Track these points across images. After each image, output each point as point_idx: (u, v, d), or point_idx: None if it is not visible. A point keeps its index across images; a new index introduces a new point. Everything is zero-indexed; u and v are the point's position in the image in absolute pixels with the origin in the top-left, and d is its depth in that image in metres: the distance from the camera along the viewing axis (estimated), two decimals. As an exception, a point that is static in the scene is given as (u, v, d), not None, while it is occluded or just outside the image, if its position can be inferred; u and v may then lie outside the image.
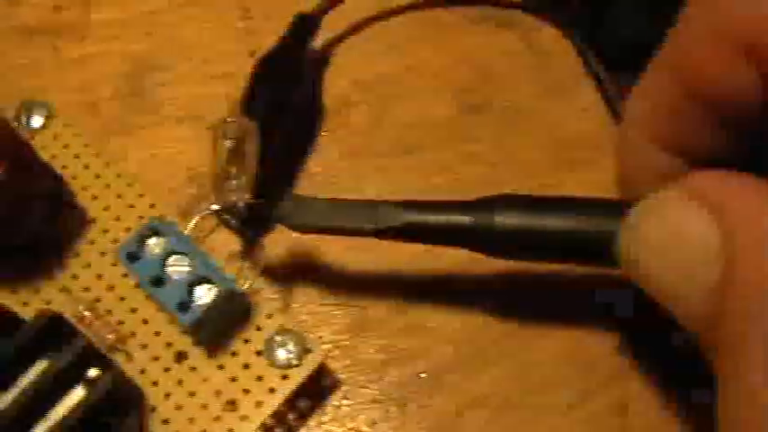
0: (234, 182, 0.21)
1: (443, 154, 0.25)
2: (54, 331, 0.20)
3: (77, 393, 0.20)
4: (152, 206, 0.23)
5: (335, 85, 0.27)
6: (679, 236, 0.16)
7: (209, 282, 0.20)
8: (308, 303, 0.23)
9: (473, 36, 0.27)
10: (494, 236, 0.20)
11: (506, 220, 0.20)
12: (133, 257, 0.20)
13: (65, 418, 0.19)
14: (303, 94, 0.26)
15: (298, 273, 0.23)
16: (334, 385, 0.22)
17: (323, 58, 0.27)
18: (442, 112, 0.26)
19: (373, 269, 0.24)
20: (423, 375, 0.22)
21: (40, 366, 0.20)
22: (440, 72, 0.27)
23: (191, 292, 0.20)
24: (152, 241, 0.21)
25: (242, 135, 0.21)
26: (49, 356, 0.20)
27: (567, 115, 0.26)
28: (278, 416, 0.22)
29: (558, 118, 0.26)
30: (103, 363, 0.20)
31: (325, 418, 0.22)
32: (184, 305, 0.20)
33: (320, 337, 0.23)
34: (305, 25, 0.25)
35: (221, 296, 0.20)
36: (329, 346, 0.23)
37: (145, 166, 0.25)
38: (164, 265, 0.20)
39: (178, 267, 0.20)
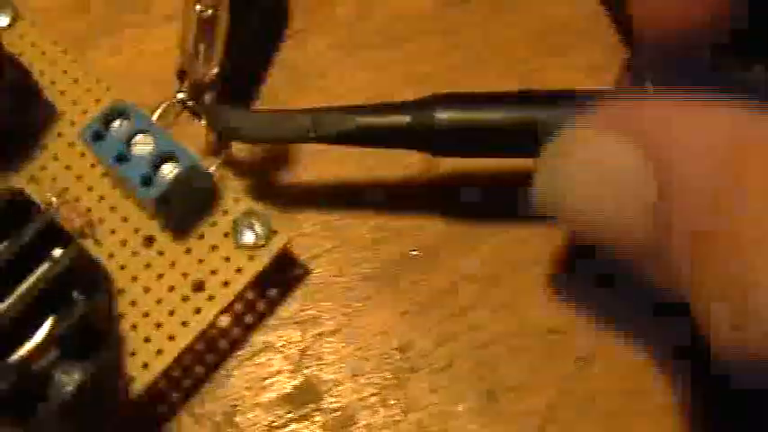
0: (201, 62, 0.21)
1: (429, 44, 0.25)
2: (18, 211, 0.20)
3: (42, 270, 0.20)
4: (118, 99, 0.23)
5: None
6: (604, 169, 0.15)
7: (173, 160, 0.20)
8: (287, 191, 0.23)
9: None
10: (433, 134, 0.20)
11: (444, 116, 0.20)
12: (97, 137, 0.20)
13: (28, 290, 0.19)
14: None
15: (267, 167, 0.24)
16: (305, 279, 0.22)
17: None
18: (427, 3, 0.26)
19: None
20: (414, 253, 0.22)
21: (3, 245, 0.20)
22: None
23: (156, 169, 0.20)
24: (116, 123, 0.21)
25: (214, 5, 0.20)
26: (13, 235, 0.20)
27: (552, 1, 0.26)
28: (249, 303, 0.22)
29: (543, 4, 0.26)
30: (67, 239, 0.20)
31: (297, 318, 0.22)
32: (148, 179, 0.20)
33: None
34: None
35: (186, 171, 0.20)
36: (317, 226, 0.23)
37: (133, 64, 0.25)
38: (128, 144, 0.20)
39: (142, 146, 0.20)
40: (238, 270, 0.21)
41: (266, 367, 0.22)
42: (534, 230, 0.22)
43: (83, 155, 0.22)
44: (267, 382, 0.22)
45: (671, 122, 0.14)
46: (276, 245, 0.21)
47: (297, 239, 0.22)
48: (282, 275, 0.22)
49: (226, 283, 0.21)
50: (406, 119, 0.20)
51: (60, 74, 0.23)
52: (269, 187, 0.23)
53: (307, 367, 0.22)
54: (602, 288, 0.21)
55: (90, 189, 0.22)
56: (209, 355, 0.22)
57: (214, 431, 0.21)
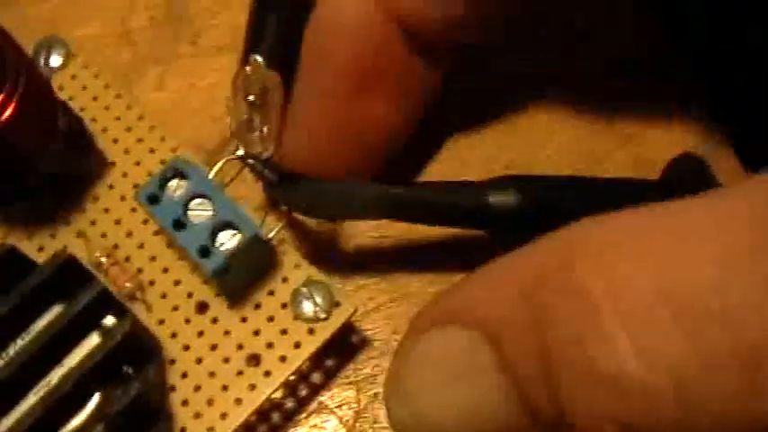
0: (257, 134, 0.20)
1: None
2: (69, 276, 0.19)
3: (93, 340, 0.19)
4: (174, 150, 0.22)
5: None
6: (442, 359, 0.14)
7: (232, 227, 0.19)
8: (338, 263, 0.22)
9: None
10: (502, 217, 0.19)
11: (513, 199, 0.19)
12: (153, 199, 0.19)
13: (80, 365, 0.18)
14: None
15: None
16: (363, 343, 0.21)
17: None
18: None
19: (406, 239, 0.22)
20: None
21: (54, 311, 0.19)
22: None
23: (213, 238, 0.19)
24: (173, 183, 0.20)
25: (264, 87, 0.19)
26: (64, 302, 0.19)
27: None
28: (302, 374, 0.21)
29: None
30: (120, 310, 0.19)
31: (352, 377, 0.21)
32: (206, 250, 0.19)
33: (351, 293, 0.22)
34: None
35: (246, 242, 0.19)
36: (374, 278, 0.22)
37: (184, 96, 0.24)
38: (185, 209, 0.19)
39: (200, 212, 0.19)
40: (297, 345, 0.20)
41: (320, 430, 0.21)
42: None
43: (134, 210, 0.21)
44: None
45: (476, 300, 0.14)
46: (339, 318, 0.20)
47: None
48: (340, 344, 0.21)
49: (283, 358, 0.19)
50: (480, 199, 0.19)
51: (113, 120, 0.22)
52: (329, 244, 0.22)
53: (362, 431, 0.20)
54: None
55: (141, 247, 0.21)
56: (260, 427, 0.21)
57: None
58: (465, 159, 0.23)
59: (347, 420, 0.20)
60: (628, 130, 0.23)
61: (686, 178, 0.20)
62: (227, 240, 0.19)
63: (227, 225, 0.19)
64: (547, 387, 0.12)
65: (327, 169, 0.20)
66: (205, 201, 0.19)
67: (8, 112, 0.19)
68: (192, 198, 0.19)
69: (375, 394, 0.21)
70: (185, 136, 0.23)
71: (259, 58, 0.19)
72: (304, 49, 0.20)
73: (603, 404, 0.12)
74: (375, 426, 0.20)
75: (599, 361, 0.12)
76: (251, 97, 0.19)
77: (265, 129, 0.19)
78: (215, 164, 0.21)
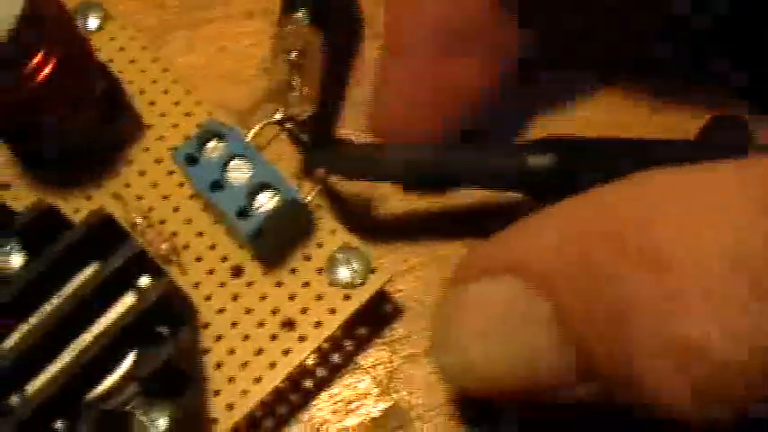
0: (296, 94, 0.20)
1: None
2: (106, 235, 0.19)
3: (127, 300, 0.19)
4: (210, 114, 0.22)
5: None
6: (493, 310, 0.14)
7: (270, 189, 0.19)
8: (370, 226, 0.22)
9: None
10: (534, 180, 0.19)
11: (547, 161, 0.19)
12: (191, 160, 0.19)
13: (113, 324, 0.18)
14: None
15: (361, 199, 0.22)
16: (396, 305, 0.21)
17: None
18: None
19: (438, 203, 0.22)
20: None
21: (89, 270, 0.19)
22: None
23: (251, 199, 0.19)
24: (211, 145, 0.19)
25: (305, 44, 0.19)
26: (100, 260, 0.19)
27: None
28: (335, 341, 0.21)
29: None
30: (156, 270, 0.19)
31: (387, 338, 0.21)
32: (244, 212, 0.18)
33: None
34: None
35: (283, 204, 0.18)
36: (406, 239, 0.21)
37: (214, 60, 0.24)
38: (223, 170, 0.19)
39: (238, 173, 0.19)
40: (332, 311, 0.19)
41: (353, 390, 0.20)
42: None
43: (170, 173, 0.21)
44: (353, 405, 0.20)
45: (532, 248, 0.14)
46: (375, 285, 0.19)
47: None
48: (373, 314, 0.21)
49: (318, 324, 0.19)
50: (519, 160, 0.19)
51: (149, 83, 0.22)
52: (362, 208, 0.22)
53: (396, 391, 0.20)
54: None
55: (176, 210, 0.21)
56: (292, 395, 0.20)
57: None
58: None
59: (381, 380, 0.20)
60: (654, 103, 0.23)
61: (726, 137, 0.20)
62: (265, 202, 0.19)
63: (265, 187, 0.19)
64: (613, 349, 0.12)
65: (419, 132, 0.20)
66: (242, 162, 0.19)
67: (47, 71, 0.19)
68: (230, 159, 0.19)
69: (408, 355, 0.20)
70: (215, 99, 0.23)
71: (301, 15, 0.19)
72: (387, 6, 0.20)
73: (680, 371, 0.11)
74: (410, 386, 0.20)
75: (680, 330, 0.11)
76: (292, 55, 0.19)
77: (305, 89, 0.19)
78: (251, 127, 0.20)
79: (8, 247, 0.19)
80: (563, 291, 0.12)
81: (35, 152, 0.20)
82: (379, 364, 0.21)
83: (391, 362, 0.21)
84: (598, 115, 0.23)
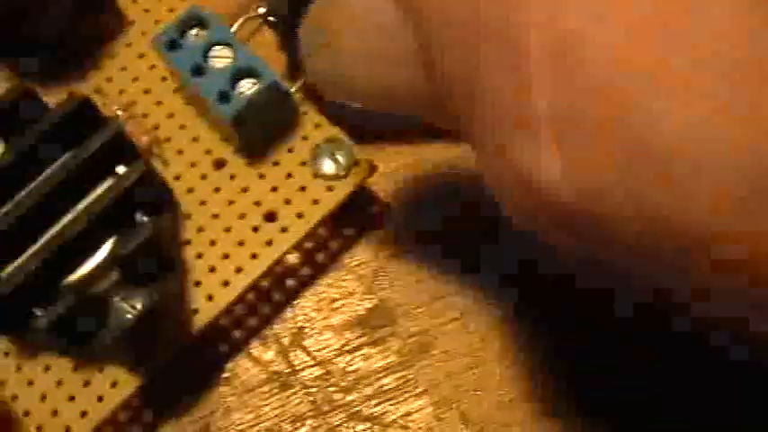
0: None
1: None
2: (83, 121, 0.18)
3: (106, 186, 0.18)
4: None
5: None
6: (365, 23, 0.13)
7: (252, 75, 0.18)
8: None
9: None
10: None
11: None
12: (172, 45, 0.19)
13: (91, 206, 0.18)
14: None
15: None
16: (380, 211, 0.21)
17: None
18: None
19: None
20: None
21: (65, 156, 0.18)
22: None
23: (233, 84, 0.18)
24: (193, 32, 0.19)
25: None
26: (77, 145, 0.18)
27: None
28: (319, 240, 0.20)
29: None
30: (135, 157, 0.18)
31: (369, 244, 0.20)
32: (226, 95, 0.18)
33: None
34: None
35: (266, 88, 0.18)
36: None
37: None
38: (205, 56, 0.19)
39: (220, 59, 0.19)
40: (315, 201, 0.19)
41: (337, 288, 0.20)
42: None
43: (153, 67, 0.21)
44: (338, 303, 0.20)
45: None
46: (358, 176, 0.19)
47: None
48: (359, 214, 0.20)
49: (300, 215, 0.19)
50: None
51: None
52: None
53: (381, 289, 0.20)
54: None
55: (159, 104, 0.20)
56: (275, 294, 0.20)
57: (281, 354, 0.20)
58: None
59: (365, 279, 0.20)
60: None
61: None
62: (247, 88, 0.18)
63: (248, 73, 0.18)
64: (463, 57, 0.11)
65: None
66: (225, 48, 0.19)
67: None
68: (212, 46, 0.19)
69: (393, 253, 0.20)
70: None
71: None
72: None
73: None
74: (395, 284, 0.20)
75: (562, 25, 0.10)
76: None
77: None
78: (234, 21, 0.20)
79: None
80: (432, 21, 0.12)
81: (15, 39, 0.20)
82: (363, 263, 0.20)
83: (375, 259, 0.20)
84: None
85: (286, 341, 0.20)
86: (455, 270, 0.20)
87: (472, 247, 0.20)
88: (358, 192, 0.19)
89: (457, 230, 0.20)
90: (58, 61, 0.21)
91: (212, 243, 0.19)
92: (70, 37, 0.20)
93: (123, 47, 0.21)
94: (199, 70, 0.18)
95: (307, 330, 0.20)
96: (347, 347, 0.20)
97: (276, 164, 0.20)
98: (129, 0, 0.21)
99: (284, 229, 0.19)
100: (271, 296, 0.20)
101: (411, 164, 0.21)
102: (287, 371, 0.19)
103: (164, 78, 0.20)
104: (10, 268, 0.17)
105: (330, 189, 0.19)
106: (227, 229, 0.19)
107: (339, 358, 0.20)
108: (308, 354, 0.20)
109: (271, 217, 0.19)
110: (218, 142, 0.20)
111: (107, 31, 0.21)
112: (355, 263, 0.20)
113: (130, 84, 0.21)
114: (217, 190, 0.19)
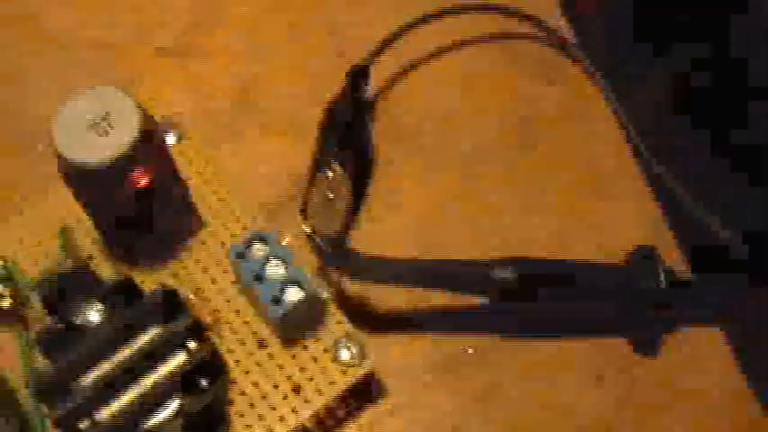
0: (325, 217, 0.26)
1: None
2: (168, 304, 0.25)
3: (179, 358, 0.24)
4: (254, 218, 0.28)
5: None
6: None
7: (298, 285, 0.25)
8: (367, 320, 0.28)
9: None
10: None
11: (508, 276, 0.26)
12: (240, 255, 0.25)
13: (168, 375, 0.24)
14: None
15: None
16: (381, 388, 0.27)
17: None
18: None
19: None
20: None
21: (152, 331, 0.25)
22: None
23: (283, 291, 0.25)
24: (256, 246, 0.26)
25: (336, 185, 0.26)
26: (161, 325, 0.24)
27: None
28: (330, 409, 0.27)
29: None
30: (203, 337, 0.25)
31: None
32: (277, 300, 0.24)
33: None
34: (358, 76, 0.31)
35: (307, 297, 0.25)
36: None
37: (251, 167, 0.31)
38: (264, 266, 0.25)
39: (275, 269, 0.25)
40: (332, 382, 0.25)
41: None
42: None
43: (218, 263, 0.27)
44: None
45: None
46: (367, 366, 0.25)
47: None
48: (362, 388, 0.27)
49: (320, 391, 0.25)
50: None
51: (210, 192, 0.29)
52: (363, 305, 0.28)
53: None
54: None
55: (220, 292, 0.27)
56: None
57: None
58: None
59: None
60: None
61: (641, 263, 0.27)
62: (293, 294, 0.25)
63: (294, 282, 0.25)
64: None
65: None
66: (279, 261, 0.25)
67: (145, 181, 0.25)
68: (269, 258, 0.25)
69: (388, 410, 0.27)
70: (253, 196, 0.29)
71: (339, 168, 0.26)
72: None
73: None
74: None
75: None
76: (330, 195, 0.26)
77: (335, 217, 0.26)
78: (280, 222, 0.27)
79: (93, 306, 0.25)
80: None
81: (124, 236, 0.27)
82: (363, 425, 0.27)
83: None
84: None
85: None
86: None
87: None
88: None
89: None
90: (153, 252, 0.27)
91: (251, 405, 0.25)
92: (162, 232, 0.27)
93: (199, 243, 0.28)
94: (258, 278, 0.25)
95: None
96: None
97: (305, 348, 0.26)
98: (206, 207, 0.28)
99: (306, 401, 0.25)
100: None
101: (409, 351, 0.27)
102: None
103: (225, 272, 0.27)
104: (102, 415, 0.23)
105: (344, 373, 0.25)
106: (264, 396, 0.25)
107: None
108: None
109: (297, 390, 0.25)
110: (263, 327, 0.26)
111: (189, 230, 0.28)
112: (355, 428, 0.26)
113: (200, 273, 0.27)
114: (258, 364, 0.26)
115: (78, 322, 0.24)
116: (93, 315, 0.25)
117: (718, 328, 0.28)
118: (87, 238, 0.28)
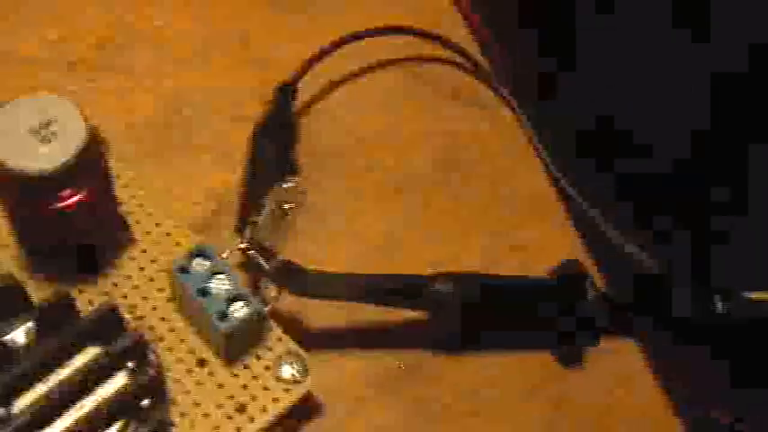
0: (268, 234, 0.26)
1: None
2: (107, 323, 0.24)
3: (120, 379, 0.23)
4: (186, 235, 0.27)
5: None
6: None
7: (244, 300, 0.25)
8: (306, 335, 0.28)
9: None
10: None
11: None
12: (183, 270, 0.25)
13: (108, 399, 0.23)
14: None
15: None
16: (319, 406, 0.27)
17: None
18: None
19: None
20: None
21: (90, 351, 0.23)
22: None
23: (228, 306, 0.24)
24: (196, 260, 0.25)
25: (292, 199, 0.26)
26: (101, 344, 0.23)
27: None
28: (270, 428, 0.26)
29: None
30: (146, 357, 0.24)
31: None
32: (223, 315, 0.24)
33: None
34: (286, 93, 0.31)
35: (254, 313, 0.24)
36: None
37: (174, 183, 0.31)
38: (209, 280, 0.25)
39: (219, 284, 0.25)
40: (275, 399, 0.25)
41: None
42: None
43: (152, 279, 0.26)
44: None
45: None
46: (309, 383, 0.25)
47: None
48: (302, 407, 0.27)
49: (264, 409, 0.25)
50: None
51: (138, 208, 0.28)
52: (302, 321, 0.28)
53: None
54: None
55: (154, 309, 0.26)
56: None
57: None
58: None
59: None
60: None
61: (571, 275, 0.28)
62: (238, 309, 0.24)
63: (239, 297, 0.25)
64: None
65: None
66: (222, 276, 0.25)
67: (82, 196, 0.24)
68: (213, 274, 0.25)
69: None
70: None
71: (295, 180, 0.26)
72: None
73: None
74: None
75: None
76: (286, 206, 0.25)
77: (278, 229, 0.26)
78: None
79: (21, 326, 0.23)
80: None
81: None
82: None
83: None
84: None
85: None
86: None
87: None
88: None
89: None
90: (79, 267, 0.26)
91: (192, 426, 0.24)
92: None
93: (128, 260, 0.27)
94: (203, 292, 0.24)
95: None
96: None
97: (246, 366, 0.25)
98: (135, 223, 0.27)
99: (251, 419, 0.25)
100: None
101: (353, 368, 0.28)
102: None
103: (159, 289, 0.26)
104: (39, 439, 0.22)
105: (287, 391, 0.25)
106: (206, 416, 0.25)
107: None
108: None
109: (241, 408, 0.25)
110: (200, 344, 0.26)
111: (119, 247, 0.27)
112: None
113: (132, 291, 0.26)
114: (198, 383, 0.25)
115: (8, 342, 0.23)
116: (21, 335, 0.23)
117: (643, 343, 0.30)
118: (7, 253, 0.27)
